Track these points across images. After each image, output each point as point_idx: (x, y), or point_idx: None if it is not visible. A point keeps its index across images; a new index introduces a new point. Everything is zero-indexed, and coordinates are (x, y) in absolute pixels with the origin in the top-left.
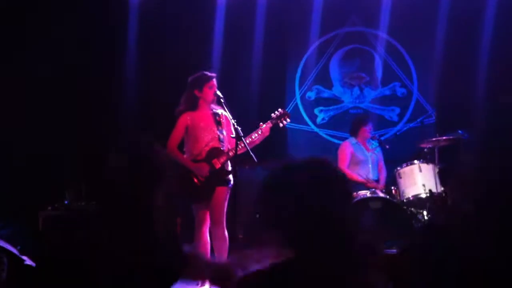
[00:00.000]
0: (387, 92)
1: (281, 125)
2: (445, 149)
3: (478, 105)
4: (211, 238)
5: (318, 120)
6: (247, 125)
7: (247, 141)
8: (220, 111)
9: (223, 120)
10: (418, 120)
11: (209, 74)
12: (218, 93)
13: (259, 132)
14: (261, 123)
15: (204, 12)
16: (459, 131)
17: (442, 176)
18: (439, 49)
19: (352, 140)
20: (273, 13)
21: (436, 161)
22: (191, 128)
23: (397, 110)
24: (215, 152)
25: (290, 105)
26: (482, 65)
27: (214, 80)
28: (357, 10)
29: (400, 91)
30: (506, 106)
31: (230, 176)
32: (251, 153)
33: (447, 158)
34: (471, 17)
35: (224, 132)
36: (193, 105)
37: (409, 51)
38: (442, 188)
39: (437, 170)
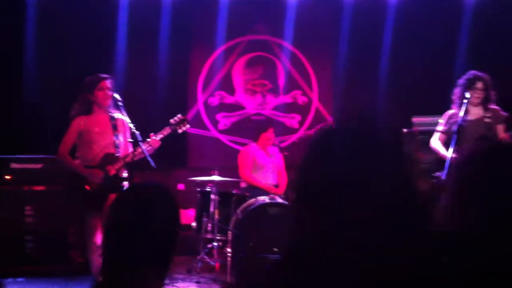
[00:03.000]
0: (289, 100)
1: (180, 131)
2: None
3: (376, 114)
4: None
5: (220, 125)
6: (147, 129)
7: (144, 148)
8: (117, 115)
9: (119, 125)
10: (317, 127)
11: (100, 76)
12: (116, 96)
13: (149, 145)
14: (152, 134)
15: (107, 13)
16: None
17: None
18: (340, 60)
19: (253, 145)
20: (178, 18)
21: None
22: (85, 133)
23: (298, 117)
24: (110, 158)
25: (192, 110)
26: (381, 77)
27: (106, 82)
28: (261, 19)
29: (301, 99)
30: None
31: (125, 183)
32: (149, 159)
33: None
34: (371, 31)
35: (121, 138)
36: (87, 109)
37: (310, 61)
38: None
39: None
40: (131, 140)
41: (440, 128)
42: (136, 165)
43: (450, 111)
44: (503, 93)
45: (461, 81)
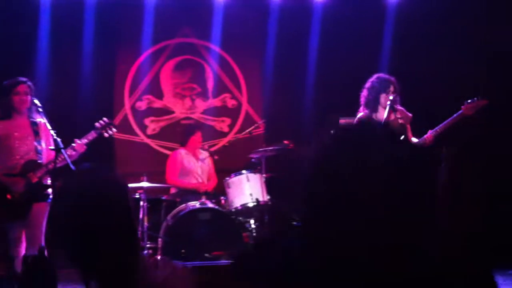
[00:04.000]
0: (218, 103)
1: (106, 135)
2: (272, 159)
3: (303, 117)
4: None
5: (149, 130)
6: (72, 135)
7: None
8: (39, 120)
9: (41, 130)
10: (247, 130)
11: (17, 80)
12: (36, 101)
13: (74, 150)
14: (76, 139)
15: (27, 14)
16: (284, 142)
17: (269, 185)
18: (268, 63)
19: (182, 150)
20: (102, 20)
21: (263, 171)
22: (4, 138)
23: (228, 121)
24: (32, 165)
25: (120, 115)
26: (308, 80)
27: (22, 86)
28: (189, 22)
29: (231, 102)
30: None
31: (50, 190)
32: (71, 166)
33: (274, 168)
34: (298, 32)
35: (43, 144)
36: (5, 114)
37: (239, 64)
38: (269, 197)
39: (263, 179)
40: (53, 147)
41: None
42: (60, 172)
43: (360, 114)
44: (424, 92)
45: (373, 84)
